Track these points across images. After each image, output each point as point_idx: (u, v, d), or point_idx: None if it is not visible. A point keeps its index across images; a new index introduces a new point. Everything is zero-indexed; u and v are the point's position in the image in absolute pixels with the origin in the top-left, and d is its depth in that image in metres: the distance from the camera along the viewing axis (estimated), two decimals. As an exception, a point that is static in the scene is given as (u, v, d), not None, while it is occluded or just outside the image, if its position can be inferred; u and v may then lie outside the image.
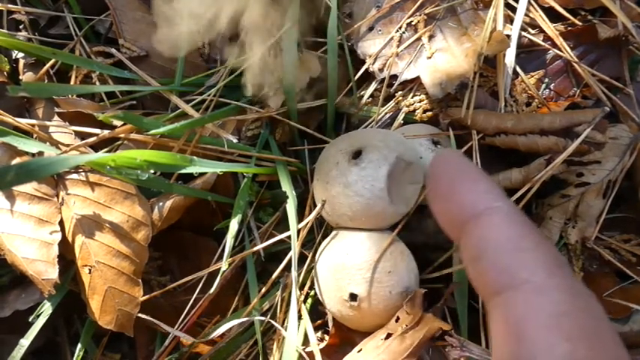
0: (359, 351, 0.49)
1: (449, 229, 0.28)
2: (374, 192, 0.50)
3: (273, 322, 0.54)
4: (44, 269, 0.53)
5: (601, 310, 0.23)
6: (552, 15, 0.63)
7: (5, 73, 0.63)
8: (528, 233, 0.25)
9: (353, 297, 0.50)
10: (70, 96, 0.62)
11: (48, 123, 0.59)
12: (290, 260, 0.55)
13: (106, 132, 0.58)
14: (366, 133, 0.57)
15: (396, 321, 0.49)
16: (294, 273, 0.54)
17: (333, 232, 0.56)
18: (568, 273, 0.24)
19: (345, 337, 0.54)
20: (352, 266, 0.51)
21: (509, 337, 0.23)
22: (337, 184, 0.52)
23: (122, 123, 0.58)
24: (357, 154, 0.53)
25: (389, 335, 0.48)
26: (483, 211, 0.26)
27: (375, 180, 0.50)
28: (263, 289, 0.57)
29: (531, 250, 0.24)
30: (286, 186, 0.59)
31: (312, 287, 0.57)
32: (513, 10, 0.63)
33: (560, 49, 0.61)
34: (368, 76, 0.65)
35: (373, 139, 0.53)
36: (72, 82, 0.64)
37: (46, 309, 0.56)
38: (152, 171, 0.54)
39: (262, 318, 0.55)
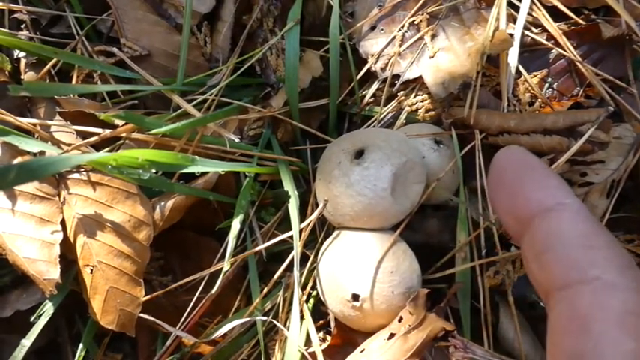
0: (362, 351, 0.49)
1: (512, 223, 0.28)
2: (376, 192, 0.50)
3: (275, 322, 0.54)
4: (46, 269, 0.53)
5: None
6: (555, 14, 0.62)
7: (7, 72, 0.63)
8: (599, 231, 0.25)
9: (355, 297, 0.50)
10: (71, 95, 0.62)
11: (49, 122, 0.58)
12: (292, 260, 0.55)
13: (107, 131, 0.57)
14: (369, 133, 0.57)
15: (399, 321, 0.49)
16: (296, 273, 0.54)
17: (335, 232, 0.55)
18: (637, 274, 0.24)
19: (348, 337, 0.54)
20: (354, 266, 0.50)
21: (573, 330, 0.23)
22: (339, 184, 0.52)
23: (124, 122, 0.58)
24: (359, 154, 0.52)
25: (392, 335, 0.48)
26: (554, 206, 0.26)
27: (377, 180, 0.50)
28: (265, 289, 0.57)
29: (603, 248, 0.24)
30: (288, 186, 0.58)
31: (314, 287, 0.57)
32: (516, 9, 0.63)
33: (563, 49, 0.61)
34: (370, 76, 0.65)
35: (376, 139, 0.53)
36: (73, 82, 0.64)
37: (48, 309, 0.56)
38: (154, 170, 0.54)
39: (264, 318, 0.55)
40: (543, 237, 0.26)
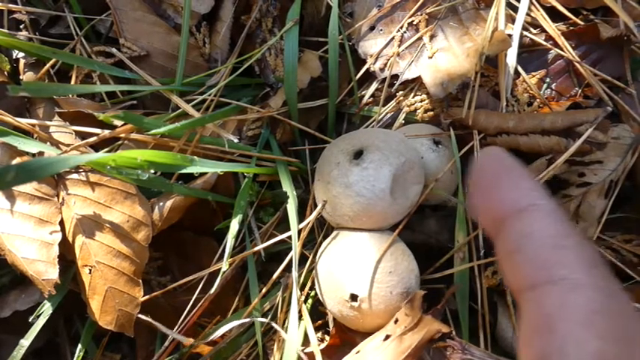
0: (357, 352, 0.49)
1: (488, 222, 0.28)
2: (375, 192, 0.50)
3: (273, 324, 0.54)
4: (44, 269, 0.53)
5: (634, 313, 0.24)
6: (554, 14, 0.62)
7: (6, 72, 0.63)
8: (570, 232, 0.25)
9: (353, 297, 0.50)
10: (70, 96, 0.62)
11: (48, 123, 0.58)
12: (291, 260, 0.55)
13: (106, 132, 0.57)
14: (367, 133, 0.57)
15: (395, 322, 0.49)
16: (294, 273, 0.54)
17: (334, 233, 0.55)
18: (605, 274, 0.24)
19: (346, 337, 0.54)
20: (353, 266, 0.50)
21: (541, 330, 0.23)
22: (338, 185, 0.52)
23: (123, 123, 0.58)
24: (358, 154, 0.52)
25: (388, 337, 0.48)
26: (526, 207, 0.26)
27: (376, 180, 0.50)
28: (264, 290, 0.57)
29: (572, 249, 0.25)
30: (287, 186, 0.58)
31: (312, 287, 0.57)
32: (515, 9, 0.63)
33: (561, 49, 0.61)
34: (369, 76, 0.65)
35: (374, 139, 0.53)
36: (72, 82, 0.64)
37: (46, 309, 0.56)
38: (152, 171, 0.54)
39: (263, 320, 0.55)
40: (515, 237, 0.26)
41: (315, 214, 0.55)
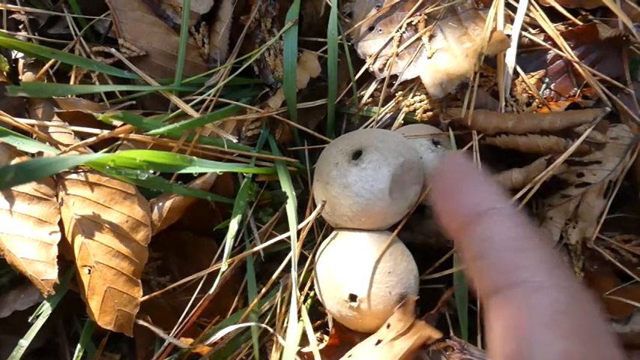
0: (349, 356, 0.49)
1: (451, 228, 0.29)
2: (374, 192, 0.50)
3: (269, 328, 0.54)
4: (43, 270, 0.53)
5: (597, 311, 0.24)
6: (553, 15, 0.62)
7: (5, 73, 0.63)
8: (529, 235, 0.26)
9: (352, 297, 0.50)
10: (69, 96, 0.62)
11: (47, 123, 0.58)
12: (290, 261, 0.55)
13: (105, 132, 0.57)
14: (366, 134, 0.57)
15: (388, 327, 0.49)
16: (294, 273, 0.54)
17: (333, 233, 0.55)
18: (567, 274, 0.25)
19: (345, 337, 0.54)
20: (352, 267, 0.51)
21: (507, 333, 0.24)
22: (337, 185, 0.52)
23: (122, 123, 0.58)
24: (357, 155, 0.52)
25: (380, 341, 0.48)
26: (486, 211, 0.26)
27: (374, 180, 0.50)
28: (263, 290, 0.57)
29: (532, 251, 0.25)
30: (286, 186, 0.58)
31: (312, 288, 0.57)
32: (514, 9, 0.63)
33: (560, 49, 0.61)
34: (368, 76, 0.65)
35: (373, 140, 0.53)
36: (71, 82, 0.64)
37: (46, 309, 0.56)
38: (152, 171, 0.54)
39: (260, 324, 0.55)
40: (477, 241, 0.26)
41: (314, 214, 0.55)
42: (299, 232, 0.56)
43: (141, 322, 0.54)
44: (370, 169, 0.51)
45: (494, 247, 0.26)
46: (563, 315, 0.23)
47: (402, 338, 0.46)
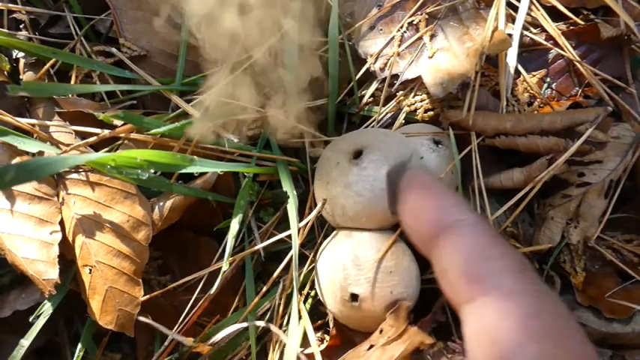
0: None
1: (420, 244, 0.29)
2: (375, 192, 0.50)
3: (271, 326, 0.54)
4: (44, 269, 0.53)
5: (566, 310, 0.25)
6: (554, 14, 0.62)
7: (5, 72, 0.63)
8: (494, 242, 0.26)
9: (354, 297, 0.50)
10: (70, 95, 0.62)
11: (48, 122, 0.58)
12: (291, 260, 0.55)
13: (106, 131, 0.57)
14: (367, 133, 0.57)
15: (380, 332, 0.49)
16: (294, 273, 0.54)
17: (334, 232, 0.55)
18: (533, 277, 0.25)
19: (346, 337, 0.54)
20: (353, 266, 0.50)
21: (482, 341, 0.24)
22: (338, 184, 0.52)
23: (122, 122, 0.58)
24: (357, 154, 0.52)
25: (372, 347, 0.48)
26: (451, 223, 0.27)
27: (375, 180, 0.50)
28: (264, 289, 0.57)
29: (498, 258, 0.26)
30: (287, 186, 0.58)
31: (312, 287, 0.57)
32: (515, 9, 0.63)
33: (562, 49, 0.61)
34: (369, 76, 0.65)
35: (374, 139, 0.53)
36: (72, 82, 0.64)
37: (47, 309, 0.56)
38: (152, 171, 0.54)
39: (259, 323, 0.55)
40: (445, 254, 0.27)
41: (315, 212, 0.55)
42: (300, 231, 0.56)
43: (143, 319, 0.54)
44: (371, 169, 0.51)
45: (461, 258, 0.26)
46: (533, 318, 0.23)
47: (394, 344, 0.46)
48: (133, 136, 0.58)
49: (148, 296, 0.55)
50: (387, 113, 0.63)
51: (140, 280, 0.55)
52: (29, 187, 0.55)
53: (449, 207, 0.28)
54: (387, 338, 0.47)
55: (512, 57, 0.61)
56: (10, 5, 0.66)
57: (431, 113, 0.61)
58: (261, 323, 0.55)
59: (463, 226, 0.27)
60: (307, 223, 0.56)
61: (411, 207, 0.30)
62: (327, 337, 0.56)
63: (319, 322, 0.58)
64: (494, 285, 0.25)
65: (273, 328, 0.54)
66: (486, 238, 0.27)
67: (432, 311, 0.51)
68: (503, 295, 0.24)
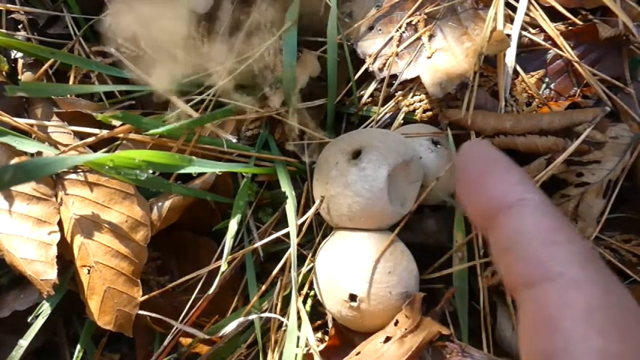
0: (357, 354, 0.49)
1: (478, 220, 0.28)
2: (373, 192, 0.50)
3: (276, 315, 0.54)
4: (43, 270, 0.53)
5: (634, 305, 0.23)
6: (553, 14, 0.62)
7: (4, 72, 0.63)
8: (561, 226, 0.25)
9: (352, 297, 0.50)
10: (68, 96, 0.62)
11: (47, 123, 0.58)
12: (289, 260, 0.55)
13: (104, 132, 0.57)
14: (366, 133, 0.57)
15: (395, 324, 0.49)
16: (293, 272, 0.54)
17: (333, 232, 0.55)
18: (602, 267, 0.24)
19: (345, 337, 0.54)
20: (352, 266, 0.50)
21: (541, 329, 0.23)
22: (336, 185, 0.52)
23: (121, 123, 0.58)
24: (356, 154, 0.52)
25: (388, 339, 0.48)
26: (515, 202, 0.25)
27: (374, 180, 0.50)
28: (262, 288, 0.57)
29: (565, 243, 0.24)
30: (286, 186, 0.58)
31: (311, 287, 0.57)
32: (514, 9, 0.63)
33: (560, 49, 0.61)
34: (368, 76, 0.65)
35: (373, 139, 0.53)
36: (71, 82, 0.64)
37: (45, 309, 0.56)
38: (151, 171, 0.54)
39: (263, 314, 0.55)
40: (507, 234, 0.25)
41: (313, 209, 0.55)
42: (298, 229, 0.56)
43: (144, 312, 0.54)
44: (370, 169, 0.51)
45: (525, 240, 0.25)
46: (599, 311, 0.22)
47: (412, 335, 0.46)
48: (132, 136, 0.58)
49: (146, 296, 0.55)
50: (385, 113, 0.63)
51: (139, 281, 0.55)
52: (28, 187, 0.55)
53: (513, 183, 0.26)
54: (404, 330, 0.47)
55: (510, 57, 0.61)
56: (9, 5, 0.66)
57: (429, 113, 0.61)
58: (265, 314, 0.55)
59: (527, 206, 0.25)
60: (305, 220, 0.56)
61: (472, 179, 0.27)
62: (327, 338, 0.56)
63: (318, 322, 0.58)
64: (558, 272, 0.23)
65: (277, 315, 0.54)
66: (552, 220, 0.25)
67: (441, 302, 0.51)
68: (569, 283, 0.23)
